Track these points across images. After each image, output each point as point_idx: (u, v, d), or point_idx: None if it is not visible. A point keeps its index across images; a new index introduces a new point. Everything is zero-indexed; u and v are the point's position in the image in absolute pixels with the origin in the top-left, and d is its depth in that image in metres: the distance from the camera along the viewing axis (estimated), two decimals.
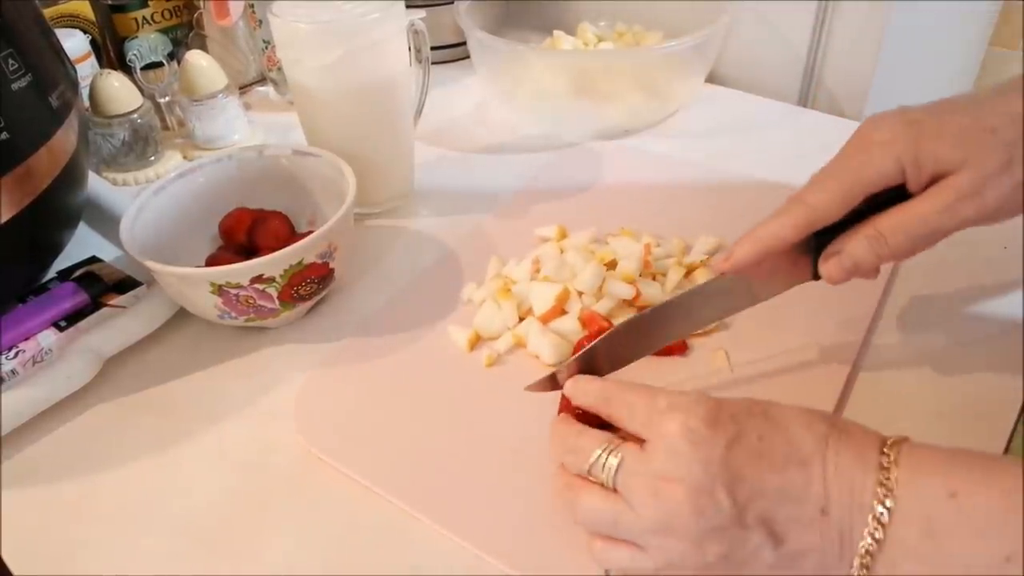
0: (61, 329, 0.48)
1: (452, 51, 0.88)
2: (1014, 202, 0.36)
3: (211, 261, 0.54)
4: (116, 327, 0.49)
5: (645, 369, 0.43)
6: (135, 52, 0.75)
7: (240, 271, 0.46)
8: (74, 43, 0.73)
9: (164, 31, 0.77)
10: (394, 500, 0.41)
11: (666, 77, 0.73)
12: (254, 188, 0.57)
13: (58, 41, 0.55)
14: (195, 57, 0.70)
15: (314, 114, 0.59)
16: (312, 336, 0.52)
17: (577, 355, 0.39)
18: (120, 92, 0.68)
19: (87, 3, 0.78)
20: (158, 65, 0.76)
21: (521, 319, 0.50)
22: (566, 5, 0.87)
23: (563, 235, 0.57)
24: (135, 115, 0.69)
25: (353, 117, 0.58)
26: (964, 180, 0.35)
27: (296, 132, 0.63)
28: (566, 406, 0.39)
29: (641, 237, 0.56)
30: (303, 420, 0.46)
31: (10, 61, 0.46)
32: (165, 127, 0.76)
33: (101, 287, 0.51)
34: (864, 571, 0.30)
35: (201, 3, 0.78)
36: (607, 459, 0.34)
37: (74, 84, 0.54)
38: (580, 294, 0.50)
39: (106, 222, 0.59)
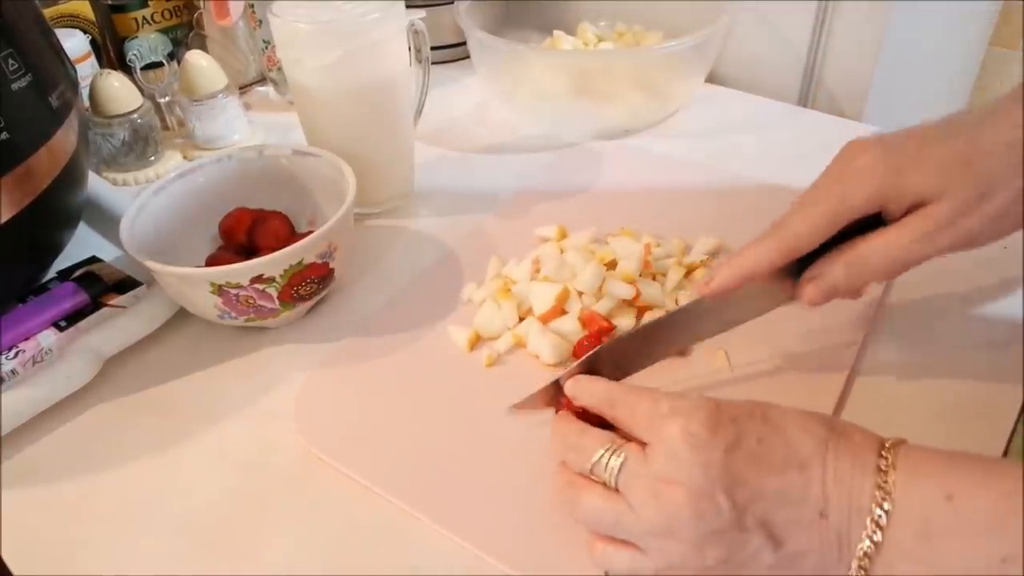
0: (61, 329, 0.48)
1: (452, 51, 0.88)
2: (992, 230, 0.37)
3: (211, 261, 0.54)
4: (116, 327, 0.49)
5: (646, 369, 0.43)
6: (135, 52, 0.75)
7: (240, 271, 0.46)
8: (74, 43, 0.73)
9: (164, 31, 0.77)
10: (394, 500, 0.41)
11: (666, 77, 0.73)
12: (254, 188, 0.57)
13: (58, 41, 0.55)
14: (195, 57, 0.70)
15: (314, 114, 0.59)
16: (312, 336, 0.52)
17: (578, 362, 0.40)
18: (120, 92, 0.68)
19: (87, 3, 0.78)
20: (158, 65, 0.76)
21: (521, 319, 0.50)
22: (566, 5, 0.87)
23: (563, 235, 0.57)
24: (135, 115, 0.69)
25: (353, 117, 0.58)
26: (943, 210, 0.36)
27: (296, 132, 0.63)
28: (566, 404, 0.39)
29: (641, 237, 0.56)
30: (303, 420, 0.46)
31: (10, 61, 0.46)
32: (165, 127, 0.76)
33: (101, 287, 0.51)
34: (862, 573, 0.30)
35: (201, 3, 0.78)
36: (610, 459, 0.34)
37: (74, 84, 0.54)
38: (580, 294, 0.50)
39: (106, 222, 0.59)
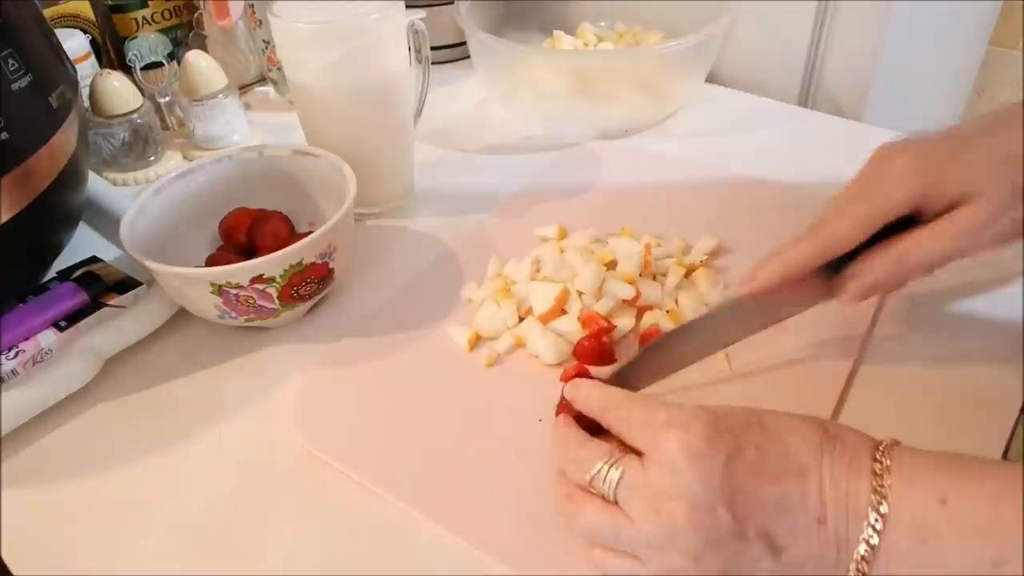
0: (61, 329, 0.48)
1: (452, 51, 0.88)
2: (1015, 233, 0.38)
3: (211, 261, 0.54)
4: (116, 327, 0.49)
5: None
6: (135, 52, 0.75)
7: (240, 271, 0.46)
8: (74, 43, 0.73)
9: (164, 31, 0.77)
10: (394, 500, 0.41)
11: (666, 77, 0.73)
12: (254, 188, 0.57)
13: (58, 41, 0.55)
14: (195, 57, 0.70)
15: (314, 114, 0.59)
16: (312, 336, 0.52)
17: (619, 364, 0.40)
18: (120, 92, 0.68)
19: (87, 3, 0.78)
20: (158, 65, 0.76)
21: (521, 319, 0.50)
22: (566, 5, 0.87)
23: (563, 235, 0.57)
24: (135, 115, 0.69)
25: (353, 117, 0.58)
26: (983, 207, 0.37)
27: (296, 132, 0.63)
28: (566, 407, 0.39)
29: (641, 237, 0.56)
30: (303, 420, 0.46)
31: (10, 61, 0.46)
32: (165, 127, 0.76)
33: (101, 287, 0.51)
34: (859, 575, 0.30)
35: (201, 3, 0.78)
36: (608, 472, 0.34)
37: (74, 84, 0.54)
38: (580, 294, 0.50)
39: (106, 222, 0.59)
